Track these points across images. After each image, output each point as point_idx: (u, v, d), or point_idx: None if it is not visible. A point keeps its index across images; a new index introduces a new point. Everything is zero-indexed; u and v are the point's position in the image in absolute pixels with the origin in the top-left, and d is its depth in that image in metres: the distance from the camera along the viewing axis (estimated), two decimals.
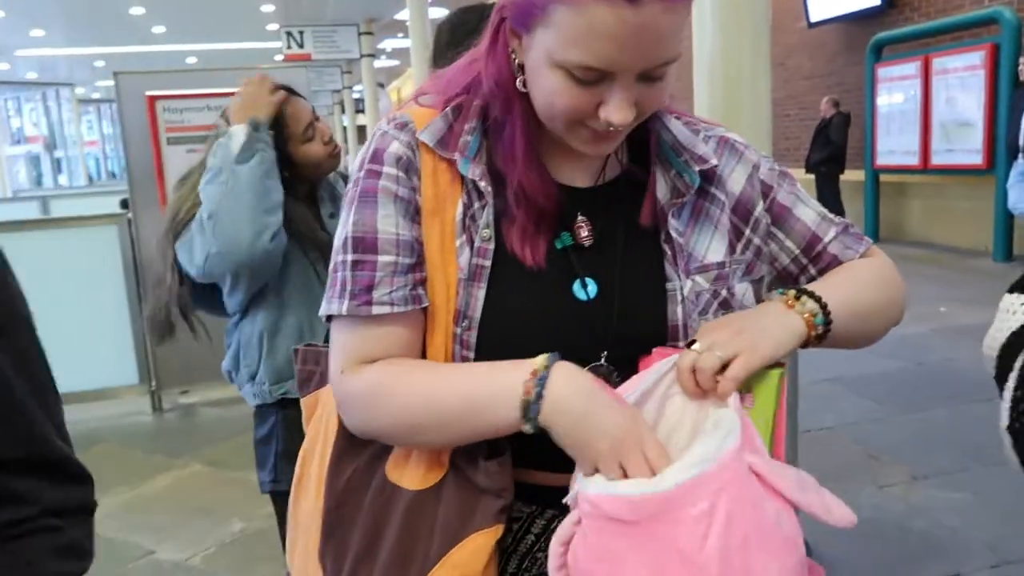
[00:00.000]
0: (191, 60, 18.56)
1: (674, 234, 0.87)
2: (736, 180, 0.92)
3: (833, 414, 3.76)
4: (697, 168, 0.88)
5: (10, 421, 0.66)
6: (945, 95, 7.90)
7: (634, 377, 0.79)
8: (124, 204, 4.75)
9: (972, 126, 7.59)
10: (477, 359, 0.83)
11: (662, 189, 0.89)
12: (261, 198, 1.62)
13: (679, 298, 0.86)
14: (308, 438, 0.97)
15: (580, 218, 0.88)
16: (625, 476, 0.71)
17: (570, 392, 0.75)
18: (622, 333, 0.85)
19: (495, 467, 0.81)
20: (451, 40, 1.61)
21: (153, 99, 4.15)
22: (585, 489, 0.69)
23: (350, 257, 0.84)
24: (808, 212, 0.94)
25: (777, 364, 0.80)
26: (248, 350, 1.78)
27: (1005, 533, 2.61)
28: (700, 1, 2.22)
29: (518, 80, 0.83)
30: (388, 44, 17.52)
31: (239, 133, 1.66)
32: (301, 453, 0.97)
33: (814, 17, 9.76)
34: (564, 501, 0.76)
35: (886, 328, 0.95)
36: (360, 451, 0.89)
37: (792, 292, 0.85)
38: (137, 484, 3.43)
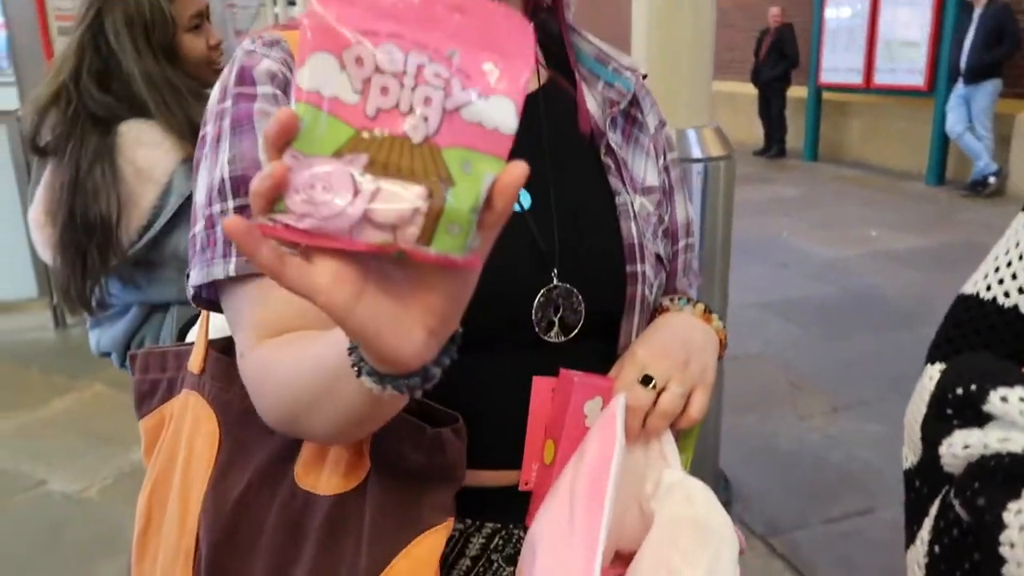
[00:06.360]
0: None
1: (615, 147, 0.77)
2: (651, 122, 0.82)
3: (759, 341, 3.74)
4: (630, 74, 0.79)
5: None
6: (892, 12, 7.76)
7: (593, 430, 0.67)
8: None
9: (916, 46, 7.50)
10: None
11: (592, 104, 0.78)
12: None
13: (631, 213, 0.75)
14: (155, 471, 0.78)
15: None
16: None
17: None
18: (571, 247, 0.71)
19: (449, 435, 0.63)
20: None
21: None
22: None
23: (233, 204, 0.64)
24: (682, 208, 0.85)
25: None
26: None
27: None
28: None
29: None
30: None
31: None
32: (145, 494, 0.78)
33: None
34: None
35: None
36: (250, 461, 0.71)
37: (700, 305, 0.77)
38: (32, 407, 3.22)
